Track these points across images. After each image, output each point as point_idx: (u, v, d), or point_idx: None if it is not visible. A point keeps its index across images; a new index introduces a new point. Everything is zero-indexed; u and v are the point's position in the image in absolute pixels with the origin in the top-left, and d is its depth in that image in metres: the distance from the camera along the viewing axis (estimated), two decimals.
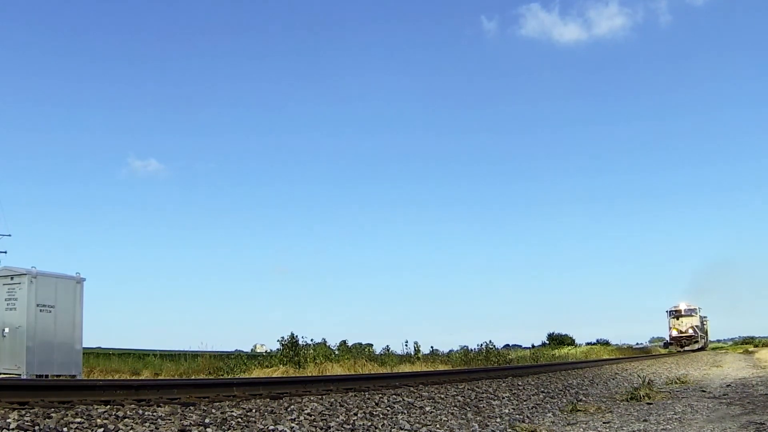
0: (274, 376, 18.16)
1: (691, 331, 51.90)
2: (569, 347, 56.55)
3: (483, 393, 9.57)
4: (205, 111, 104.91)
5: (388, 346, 29.21)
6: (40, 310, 16.13)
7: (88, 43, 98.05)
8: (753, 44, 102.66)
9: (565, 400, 9.87)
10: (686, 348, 51.07)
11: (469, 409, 8.09)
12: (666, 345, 55.18)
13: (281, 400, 6.99)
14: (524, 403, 9.14)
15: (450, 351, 34.96)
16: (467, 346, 31.99)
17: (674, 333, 52.50)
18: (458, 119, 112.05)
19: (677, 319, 52.86)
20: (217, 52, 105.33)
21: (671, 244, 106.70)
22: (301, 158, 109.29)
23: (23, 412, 5.05)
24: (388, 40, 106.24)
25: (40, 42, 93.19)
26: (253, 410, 6.23)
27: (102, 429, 4.87)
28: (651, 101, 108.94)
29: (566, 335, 68.84)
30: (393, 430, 6.37)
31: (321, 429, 5.93)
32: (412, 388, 9.26)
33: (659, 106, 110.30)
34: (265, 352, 28.55)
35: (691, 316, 52.82)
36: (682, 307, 53.46)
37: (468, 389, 9.76)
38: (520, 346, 54.72)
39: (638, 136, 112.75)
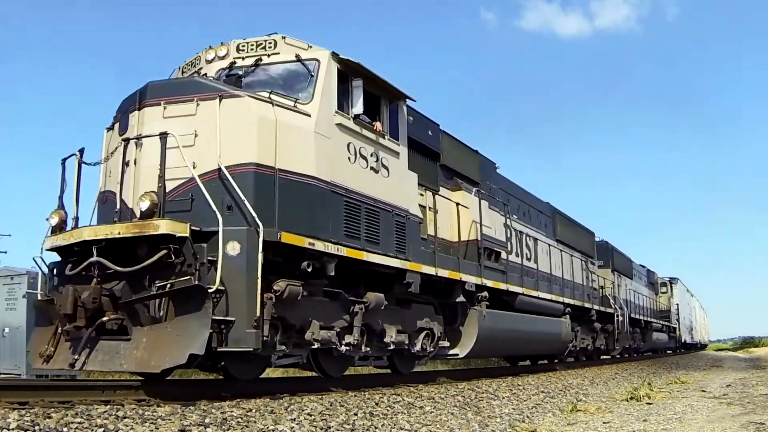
0: (274, 376, 18.14)
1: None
2: None
3: (483, 393, 9.56)
4: None
5: None
6: None
7: (84, 40, 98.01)
8: (759, 37, 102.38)
9: (565, 400, 9.87)
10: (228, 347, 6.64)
11: (469, 408, 8.09)
12: None
13: (281, 400, 6.99)
14: (524, 403, 9.14)
15: None
16: None
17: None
18: (456, 113, 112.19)
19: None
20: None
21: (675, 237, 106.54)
22: None
23: (23, 412, 5.06)
24: (385, 33, 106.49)
25: (36, 39, 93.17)
26: (253, 410, 6.23)
27: (102, 429, 4.87)
28: (652, 97, 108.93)
29: None
30: (393, 430, 6.36)
31: (321, 429, 5.93)
32: (412, 388, 9.26)
33: (661, 103, 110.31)
34: None
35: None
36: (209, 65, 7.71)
37: (468, 389, 9.75)
38: None
39: (640, 133, 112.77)
